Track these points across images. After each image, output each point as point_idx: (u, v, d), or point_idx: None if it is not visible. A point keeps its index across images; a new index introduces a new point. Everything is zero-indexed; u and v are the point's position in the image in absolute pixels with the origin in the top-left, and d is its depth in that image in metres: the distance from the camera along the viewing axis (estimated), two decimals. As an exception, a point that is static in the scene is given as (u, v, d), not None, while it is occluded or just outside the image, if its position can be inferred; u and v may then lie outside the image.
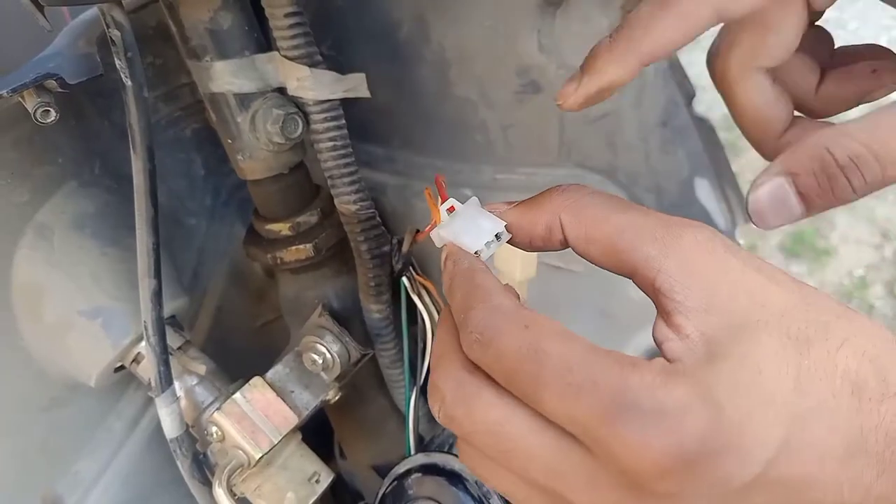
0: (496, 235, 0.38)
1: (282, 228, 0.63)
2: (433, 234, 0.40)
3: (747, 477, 0.27)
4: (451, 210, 0.40)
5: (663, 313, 0.31)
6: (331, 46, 0.70)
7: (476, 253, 0.37)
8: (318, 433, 0.74)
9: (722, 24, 0.38)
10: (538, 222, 0.36)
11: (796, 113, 0.42)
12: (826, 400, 0.28)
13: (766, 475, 0.27)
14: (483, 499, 0.55)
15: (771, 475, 0.27)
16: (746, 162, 2.43)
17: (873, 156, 0.34)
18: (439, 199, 0.42)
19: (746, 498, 0.28)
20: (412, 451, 0.62)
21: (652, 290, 0.31)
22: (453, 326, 0.34)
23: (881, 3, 0.39)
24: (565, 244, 0.36)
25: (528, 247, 0.38)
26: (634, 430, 0.27)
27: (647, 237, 0.32)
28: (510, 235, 0.38)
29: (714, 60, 0.40)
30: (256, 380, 0.59)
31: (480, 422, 0.31)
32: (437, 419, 0.33)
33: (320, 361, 0.61)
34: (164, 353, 0.54)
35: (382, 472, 0.66)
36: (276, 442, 0.58)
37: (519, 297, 0.34)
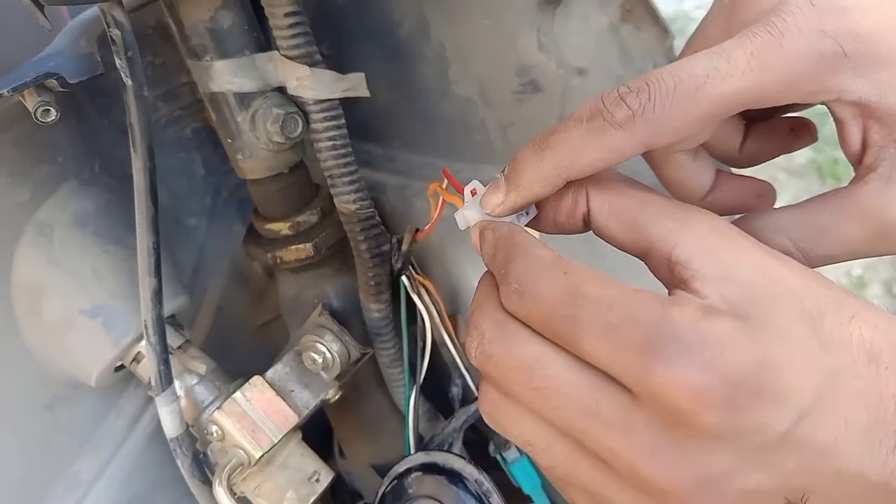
0: (525, 210, 0.39)
1: (282, 228, 0.63)
2: (458, 216, 0.41)
3: (782, 425, 0.27)
4: (473, 193, 0.40)
5: (680, 282, 0.31)
6: (330, 46, 0.70)
7: None
8: (318, 432, 0.75)
9: None
10: (566, 191, 0.36)
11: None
12: (848, 364, 0.28)
13: (797, 433, 0.27)
14: (483, 497, 0.55)
15: (800, 434, 0.27)
16: (745, 161, 2.43)
17: (801, 252, 0.36)
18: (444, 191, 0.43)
19: (779, 456, 0.28)
20: (412, 450, 0.62)
21: (667, 266, 0.32)
22: (493, 284, 0.34)
23: None
24: (587, 221, 0.36)
25: (551, 226, 0.38)
26: (676, 362, 0.27)
27: (667, 214, 0.33)
28: (536, 211, 0.39)
29: None
30: (256, 379, 0.59)
31: (517, 358, 0.31)
32: (472, 360, 0.33)
33: (320, 360, 0.61)
34: (164, 353, 0.54)
35: (382, 471, 0.66)
36: (276, 441, 0.58)
37: None
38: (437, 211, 0.44)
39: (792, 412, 0.27)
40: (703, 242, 0.31)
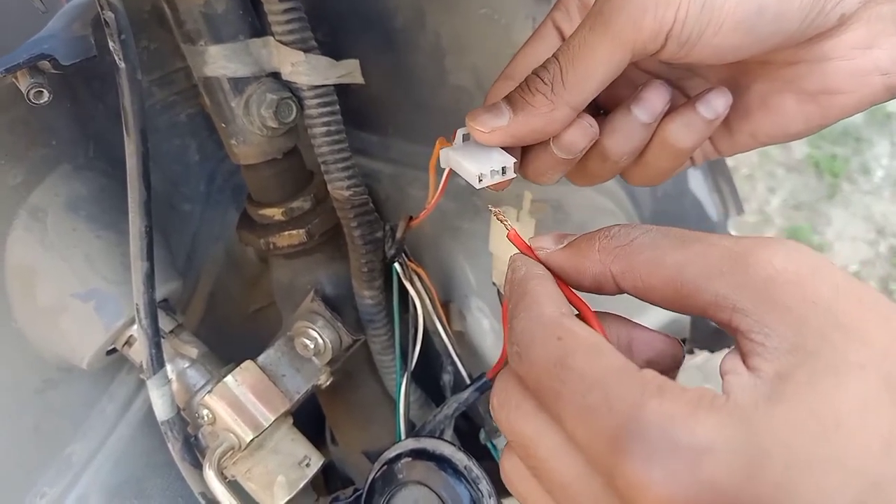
0: (502, 168, 0.39)
1: (275, 213, 0.64)
2: (441, 154, 0.41)
3: None
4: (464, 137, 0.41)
5: (741, 352, 0.27)
6: (326, 34, 0.70)
7: (479, 177, 0.38)
8: (311, 419, 0.75)
9: None
10: (585, 274, 0.33)
11: None
12: None
13: None
14: (472, 483, 0.55)
15: None
16: (743, 157, 2.43)
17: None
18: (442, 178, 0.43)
19: None
20: (402, 437, 0.62)
21: (729, 329, 0.28)
22: None
23: None
24: (621, 292, 0.33)
25: (581, 288, 0.35)
26: (637, 464, 0.24)
27: (712, 274, 0.28)
28: (515, 175, 0.39)
29: None
30: (248, 363, 0.59)
31: (516, 433, 0.30)
32: None
33: (312, 346, 0.61)
34: (155, 336, 0.54)
35: (374, 457, 0.67)
36: (266, 425, 0.58)
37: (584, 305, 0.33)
38: (441, 187, 0.44)
39: None
40: (764, 303, 0.27)
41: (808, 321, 0.26)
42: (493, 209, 0.40)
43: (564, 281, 0.35)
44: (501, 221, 0.39)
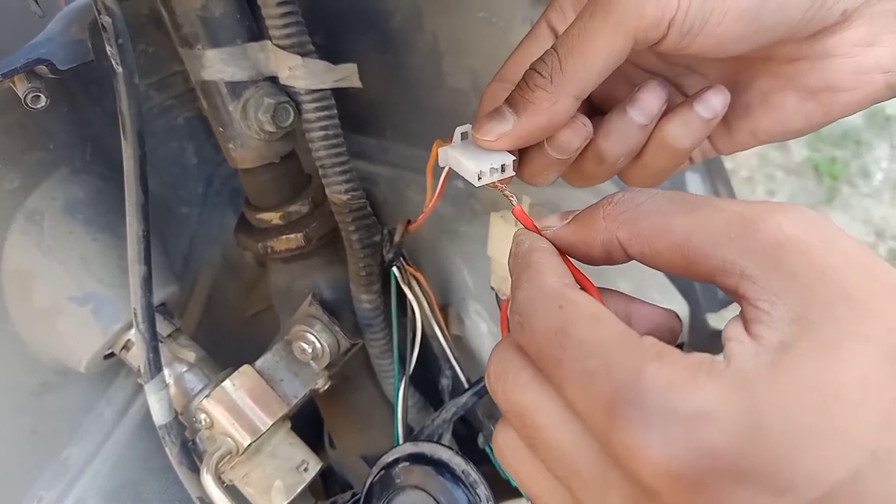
0: (502, 166, 0.39)
1: (273, 217, 0.64)
2: (440, 152, 0.41)
3: None
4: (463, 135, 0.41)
5: (744, 319, 0.27)
6: (323, 37, 0.70)
7: (478, 175, 0.38)
8: (309, 423, 0.75)
9: None
10: (593, 244, 0.33)
11: None
12: None
13: None
14: (470, 488, 0.55)
15: None
16: (742, 159, 2.43)
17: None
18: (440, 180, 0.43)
19: None
20: (401, 441, 0.62)
21: (735, 296, 0.28)
22: None
23: None
24: (630, 259, 0.33)
25: (590, 264, 0.35)
26: (634, 430, 0.24)
27: (720, 239, 0.28)
28: (514, 173, 0.39)
29: None
30: (245, 368, 0.59)
31: (513, 403, 0.30)
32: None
33: (310, 350, 0.61)
34: (153, 340, 0.54)
35: (372, 462, 0.67)
36: (264, 430, 0.58)
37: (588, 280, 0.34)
38: (439, 190, 0.44)
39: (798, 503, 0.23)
40: (772, 271, 0.26)
41: (815, 291, 0.25)
42: (499, 185, 0.39)
43: (575, 256, 0.35)
44: (507, 197, 0.39)
